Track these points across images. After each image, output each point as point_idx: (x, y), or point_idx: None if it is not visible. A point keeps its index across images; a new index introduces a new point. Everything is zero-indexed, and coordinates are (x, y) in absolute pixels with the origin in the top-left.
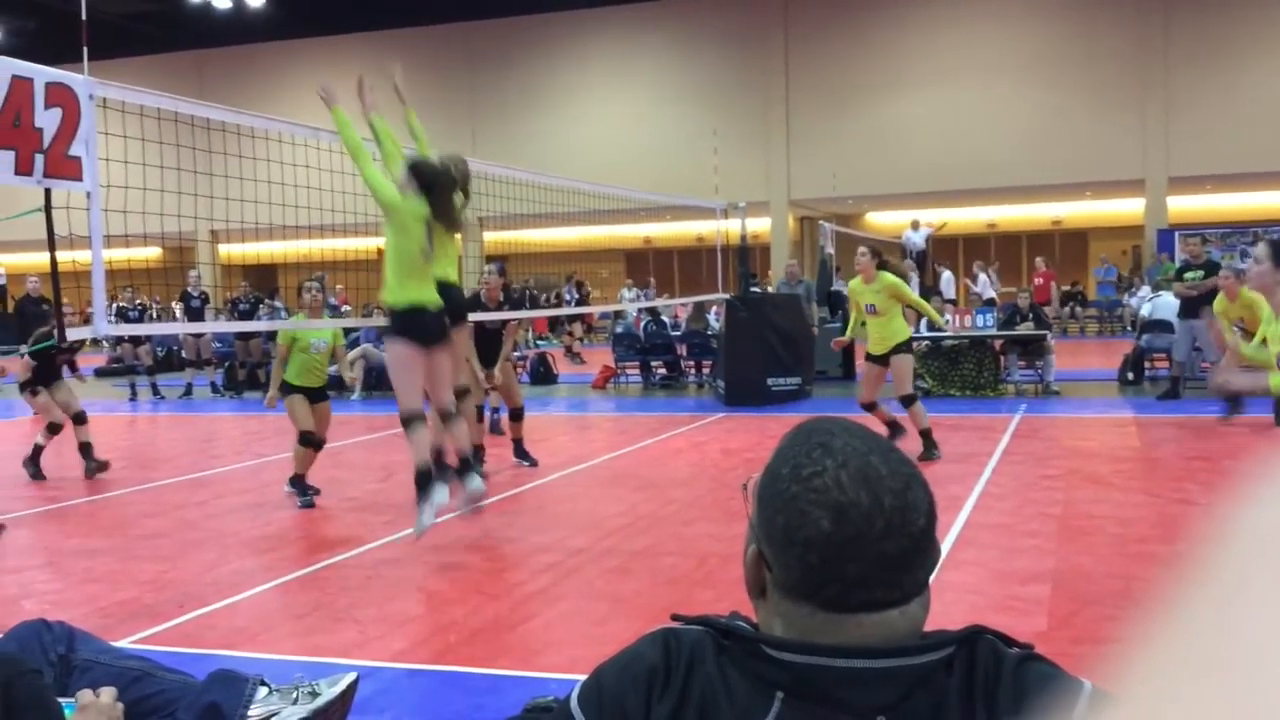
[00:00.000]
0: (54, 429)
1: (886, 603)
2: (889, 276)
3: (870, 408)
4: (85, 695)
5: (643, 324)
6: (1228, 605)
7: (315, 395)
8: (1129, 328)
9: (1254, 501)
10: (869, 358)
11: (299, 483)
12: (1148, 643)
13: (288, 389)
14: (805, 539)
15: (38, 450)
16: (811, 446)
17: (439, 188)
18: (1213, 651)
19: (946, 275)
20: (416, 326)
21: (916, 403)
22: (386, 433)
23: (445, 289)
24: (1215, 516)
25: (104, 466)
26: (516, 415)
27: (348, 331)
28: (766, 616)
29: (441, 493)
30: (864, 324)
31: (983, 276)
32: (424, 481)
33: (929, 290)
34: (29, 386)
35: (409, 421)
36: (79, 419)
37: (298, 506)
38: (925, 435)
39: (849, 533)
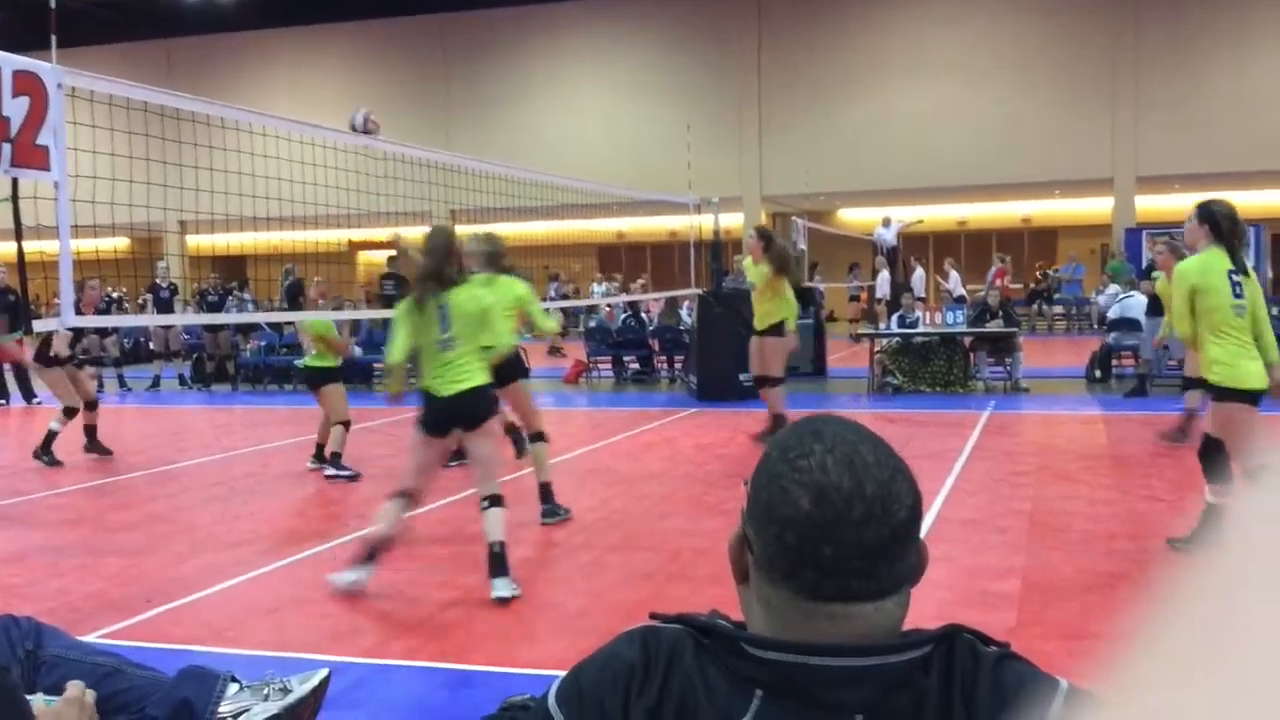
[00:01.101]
0: (70, 413)
1: (862, 594)
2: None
3: (760, 383)
4: (75, 687)
5: (620, 318)
6: (1217, 602)
7: (335, 374)
8: (1096, 325)
9: (1244, 501)
10: (753, 333)
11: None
12: (1136, 641)
13: (322, 375)
14: (784, 517)
15: (51, 436)
16: (804, 433)
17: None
18: (1202, 648)
19: (918, 273)
20: (427, 412)
21: (777, 387)
22: (357, 425)
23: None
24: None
25: (107, 453)
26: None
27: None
28: (749, 603)
29: (362, 576)
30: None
31: (954, 274)
32: (370, 555)
33: (900, 287)
34: (45, 358)
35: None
36: (92, 405)
37: (347, 479)
38: (777, 420)
39: (827, 514)
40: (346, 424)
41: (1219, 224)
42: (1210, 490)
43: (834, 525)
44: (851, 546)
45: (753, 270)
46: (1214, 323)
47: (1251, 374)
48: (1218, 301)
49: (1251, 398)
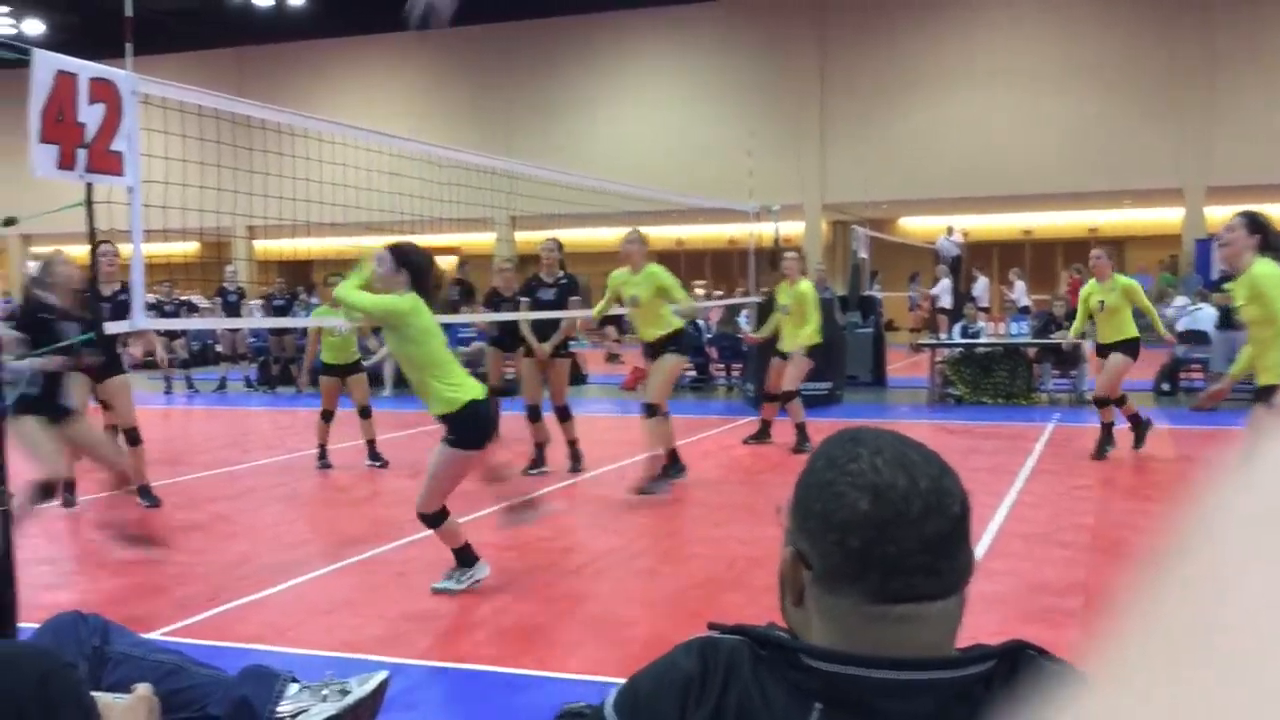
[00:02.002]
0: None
1: (927, 592)
2: (656, 268)
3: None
4: (144, 688)
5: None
6: (1190, 606)
7: (347, 370)
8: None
9: (1234, 487)
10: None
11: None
12: (1125, 627)
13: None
14: (844, 521)
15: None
16: (845, 442)
17: (426, 272)
18: (1173, 653)
19: (982, 281)
20: (482, 424)
21: (654, 414)
22: (417, 430)
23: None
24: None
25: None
26: (534, 414)
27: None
28: (803, 623)
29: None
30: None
31: (1019, 284)
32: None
33: (963, 297)
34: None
35: (438, 517)
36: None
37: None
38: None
39: (887, 513)
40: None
41: (1270, 234)
42: None
43: (895, 523)
44: (914, 542)
45: (630, 282)
46: None
47: None
48: None
49: None
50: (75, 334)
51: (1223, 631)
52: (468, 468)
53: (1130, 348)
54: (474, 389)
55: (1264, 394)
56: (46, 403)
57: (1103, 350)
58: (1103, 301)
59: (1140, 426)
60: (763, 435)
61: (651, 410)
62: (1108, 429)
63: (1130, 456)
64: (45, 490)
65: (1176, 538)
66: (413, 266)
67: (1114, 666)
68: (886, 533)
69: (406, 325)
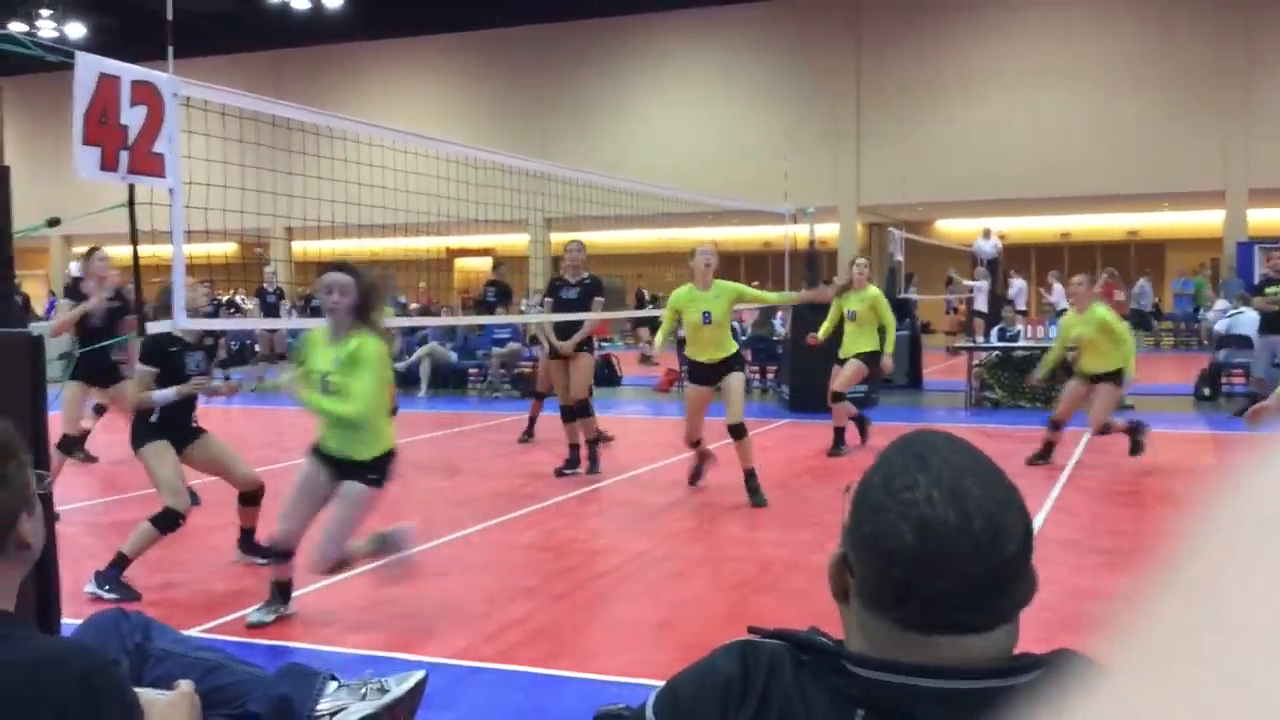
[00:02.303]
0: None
1: (969, 627)
2: (725, 282)
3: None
4: (186, 684)
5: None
6: (1200, 605)
7: None
8: (1205, 342)
9: (1246, 484)
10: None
11: None
12: (1136, 618)
13: None
14: (889, 551)
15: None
16: (909, 458)
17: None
18: (1183, 651)
19: (1018, 284)
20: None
21: (744, 434)
22: (452, 430)
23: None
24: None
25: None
26: (567, 414)
27: (414, 330)
28: (849, 622)
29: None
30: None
31: (1058, 286)
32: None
33: (1000, 299)
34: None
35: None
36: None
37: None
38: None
39: (933, 550)
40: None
41: None
42: None
43: (940, 560)
44: (958, 581)
45: (855, 298)
46: None
47: None
48: None
49: None
50: (199, 362)
51: (1226, 632)
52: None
53: (1117, 377)
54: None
55: None
56: (172, 426)
57: (1091, 379)
58: (1081, 335)
59: (1136, 433)
60: (854, 436)
61: (740, 431)
62: (1134, 433)
63: (1178, 464)
64: (171, 520)
65: (1184, 539)
66: (367, 298)
67: (1121, 666)
68: (930, 569)
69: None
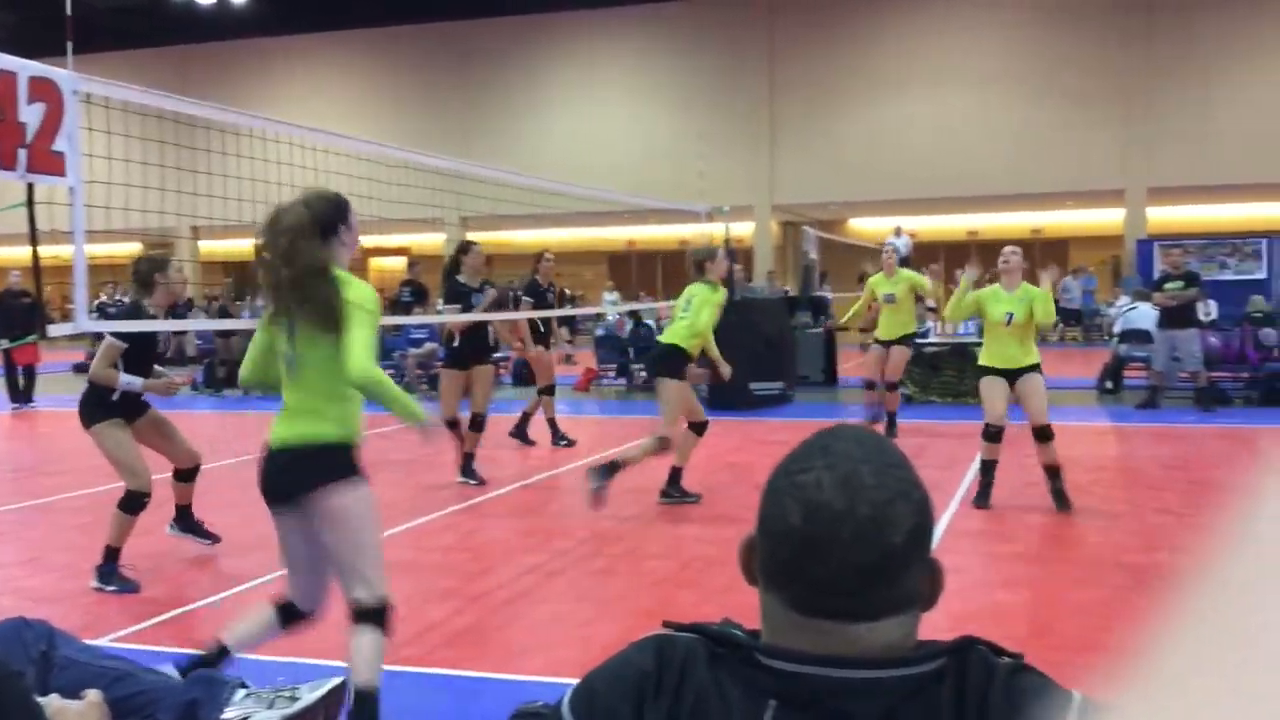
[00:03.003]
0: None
1: (852, 614)
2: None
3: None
4: (95, 694)
5: (629, 326)
6: (1234, 610)
7: None
8: (1107, 337)
9: (1258, 510)
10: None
11: None
12: (1152, 650)
13: None
14: (778, 531)
15: None
16: (813, 448)
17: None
18: (1218, 656)
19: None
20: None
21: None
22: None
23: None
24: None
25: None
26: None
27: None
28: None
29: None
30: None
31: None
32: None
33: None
34: None
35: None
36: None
37: None
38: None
39: (816, 532)
40: None
41: None
42: None
43: (823, 543)
44: (839, 566)
45: (889, 283)
46: None
47: None
48: None
49: None
50: (168, 343)
51: (1259, 633)
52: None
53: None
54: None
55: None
56: (129, 404)
57: (1008, 375)
58: (1010, 314)
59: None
60: (891, 427)
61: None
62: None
63: (1084, 456)
64: (136, 501)
65: (1218, 543)
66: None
67: (1154, 670)
68: (813, 551)
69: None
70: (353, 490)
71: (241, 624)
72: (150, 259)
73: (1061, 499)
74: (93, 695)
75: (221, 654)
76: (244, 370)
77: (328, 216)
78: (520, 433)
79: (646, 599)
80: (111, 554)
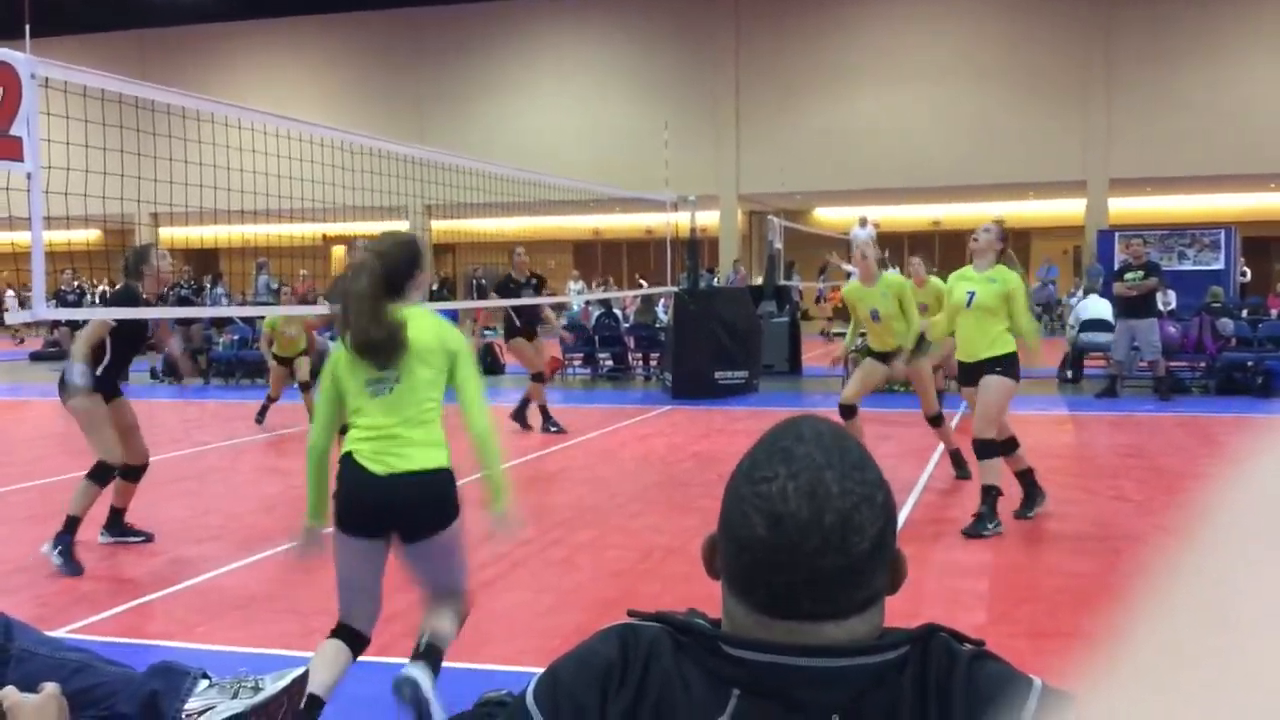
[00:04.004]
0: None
1: (818, 615)
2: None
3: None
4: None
5: (593, 316)
6: (1203, 600)
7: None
8: (1068, 327)
9: (1235, 495)
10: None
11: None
12: (1117, 638)
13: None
14: (741, 539)
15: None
16: (775, 450)
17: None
18: (1186, 646)
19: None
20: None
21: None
22: None
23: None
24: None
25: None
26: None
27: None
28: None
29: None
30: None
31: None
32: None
33: None
34: None
35: None
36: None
37: None
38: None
39: (782, 542)
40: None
41: None
42: None
43: (788, 552)
44: (805, 574)
45: (870, 294)
46: None
47: None
48: None
49: None
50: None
51: (1234, 624)
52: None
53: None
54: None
55: None
56: (108, 382)
57: (966, 373)
58: (973, 292)
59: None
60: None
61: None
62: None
63: (1041, 445)
64: (106, 473)
65: (1190, 531)
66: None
67: (1122, 664)
68: (779, 561)
69: None
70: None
71: (322, 672)
72: (136, 250)
73: (986, 516)
74: (50, 688)
75: (316, 706)
76: (318, 437)
77: (404, 268)
78: (520, 416)
79: (608, 589)
80: (71, 523)
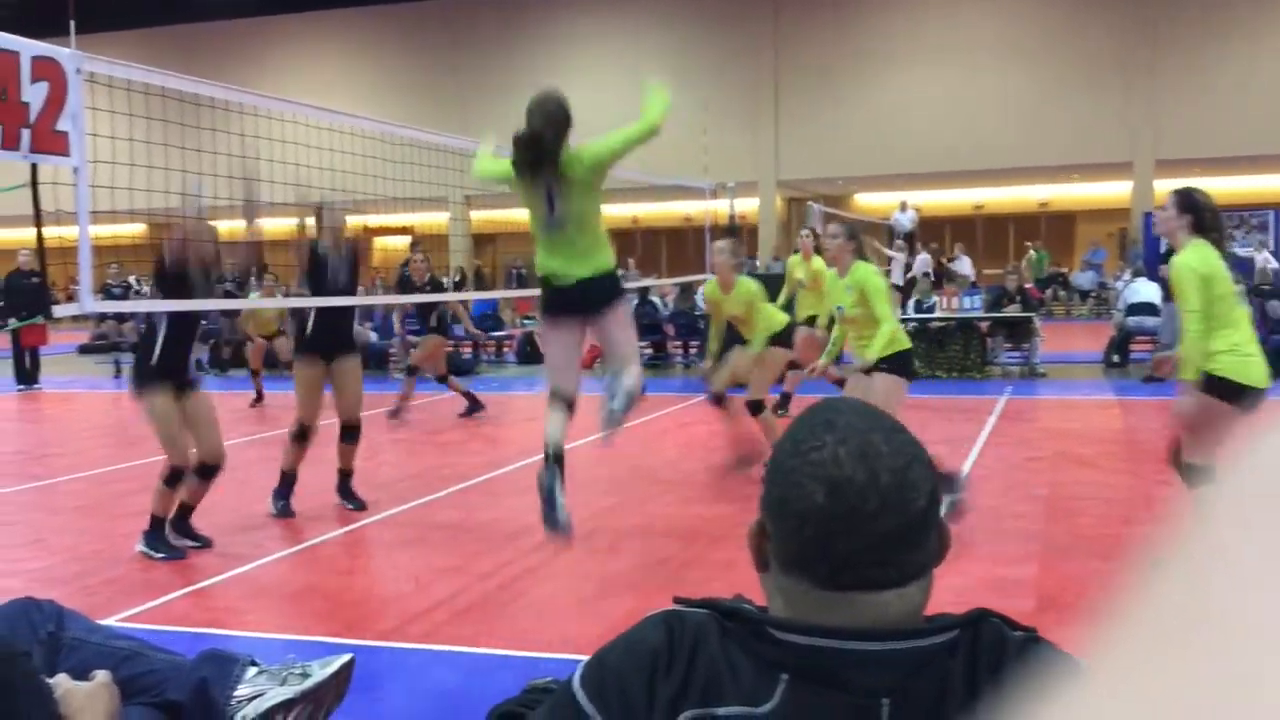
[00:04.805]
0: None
1: (881, 583)
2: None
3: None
4: (103, 674)
5: (633, 303)
6: (1206, 573)
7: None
8: (1114, 311)
9: (1235, 471)
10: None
11: None
12: (1123, 611)
13: None
14: (800, 511)
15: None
16: (816, 424)
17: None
18: (1174, 635)
19: (921, 257)
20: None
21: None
22: (372, 410)
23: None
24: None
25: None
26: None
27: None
28: (770, 590)
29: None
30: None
31: (965, 258)
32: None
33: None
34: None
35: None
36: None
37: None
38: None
39: (843, 507)
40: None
41: (1203, 215)
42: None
43: (849, 517)
44: (868, 538)
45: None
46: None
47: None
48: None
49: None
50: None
51: (1220, 623)
52: (548, 335)
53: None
54: (554, 268)
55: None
56: (172, 370)
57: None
58: (840, 307)
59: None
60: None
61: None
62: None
63: (1089, 429)
64: (177, 475)
65: (1177, 523)
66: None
67: (1111, 653)
68: (840, 527)
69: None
70: (626, 302)
71: (558, 434)
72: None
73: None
74: (101, 675)
75: (560, 460)
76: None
77: (568, 116)
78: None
79: (653, 576)
80: (157, 522)
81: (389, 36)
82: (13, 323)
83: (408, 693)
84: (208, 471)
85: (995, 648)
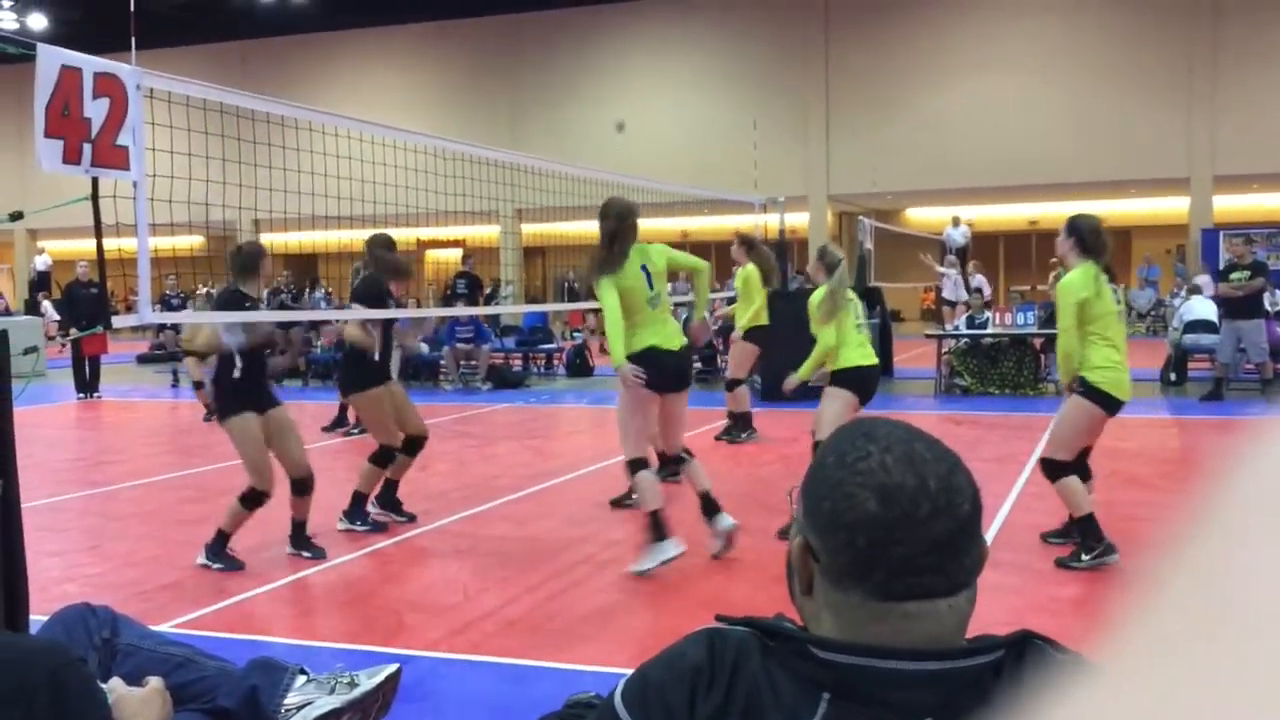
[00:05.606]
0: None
1: (933, 591)
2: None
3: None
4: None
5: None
6: (1217, 572)
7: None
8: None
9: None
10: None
11: None
12: (1135, 612)
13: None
14: (852, 521)
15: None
16: (856, 436)
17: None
18: (1192, 633)
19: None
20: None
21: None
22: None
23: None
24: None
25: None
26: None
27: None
28: (814, 613)
29: (670, 548)
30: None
31: (979, 276)
32: (657, 528)
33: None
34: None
35: (632, 465)
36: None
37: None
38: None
39: (896, 513)
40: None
41: (1085, 238)
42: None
43: (903, 523)
44: (921, 543)
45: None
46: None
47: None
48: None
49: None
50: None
51: (1235, 615)
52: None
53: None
54: (658, 340)
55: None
56: (251, 391)
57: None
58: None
59: None
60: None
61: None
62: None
63: (1145, 449)
64: (256, 498)
65: (1189, 522)
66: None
67: (1125, 653)
68: (894, 534)
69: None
70: None
71: (656, 499)
72: (243, 249)
73: None
74: (154, 682)
75: (679, 461)
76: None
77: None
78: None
79: (697, 591)
80: (222, 536)
81: (445, 52)
82: (73, 333)
83: (452, 703)
84: (299, 487)
85: (1039, 670)
